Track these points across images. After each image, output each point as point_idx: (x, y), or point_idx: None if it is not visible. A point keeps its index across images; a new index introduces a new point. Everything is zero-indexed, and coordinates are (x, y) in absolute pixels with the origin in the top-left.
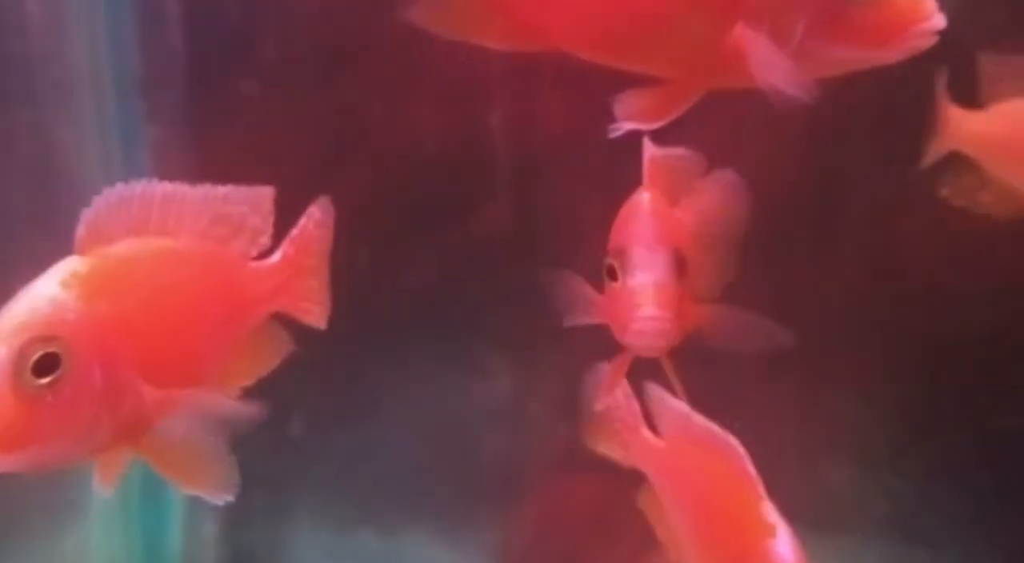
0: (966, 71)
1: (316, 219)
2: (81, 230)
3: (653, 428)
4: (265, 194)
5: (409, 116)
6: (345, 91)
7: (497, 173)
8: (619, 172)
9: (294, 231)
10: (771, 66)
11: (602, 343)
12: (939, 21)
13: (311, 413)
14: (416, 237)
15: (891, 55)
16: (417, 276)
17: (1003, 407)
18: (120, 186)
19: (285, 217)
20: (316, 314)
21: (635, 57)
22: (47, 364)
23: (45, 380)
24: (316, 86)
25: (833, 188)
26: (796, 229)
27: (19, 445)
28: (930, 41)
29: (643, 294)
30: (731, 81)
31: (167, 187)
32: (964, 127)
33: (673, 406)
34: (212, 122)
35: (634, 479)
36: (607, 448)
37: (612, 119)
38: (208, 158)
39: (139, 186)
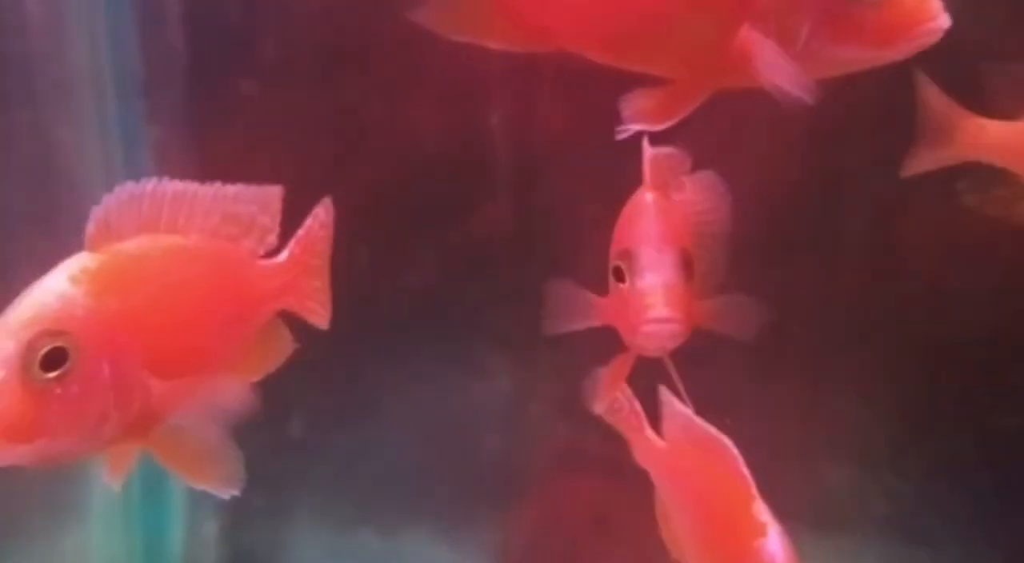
0: (966, 71)
1: (321, 220)
2: (91, 227)
3: (658, 430)
4: (274, 193)
5: (409, 116)
6: (345, 91)
7: (497, 173)
8: (619, 172)
9: (300, 231)
10: (776, 67)
11: (602, 343)
12: (944, 21)
13: (311, 413)
14: (416, 237)
15: (897, 55)
16: (417, 276)
17: (1003, 407)
18: (131, 184)
19: (286, 217)
20: (320, 314)
21: (642, 58)
22: (56, 358)
23: (53, 374)
24: (317, 86)
25: (833, 188)
26: (796, 229)
27: (27, 438)
28: (935, 39)
29: (653, 295)
30: (737, 81)
31: (178, 186)
32: (986, 139)
33: (676, 409)
34: (213, 122)
35: (634, 479)
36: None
37: (611, 119)
38: (209, 158)
39: (150, 184)
